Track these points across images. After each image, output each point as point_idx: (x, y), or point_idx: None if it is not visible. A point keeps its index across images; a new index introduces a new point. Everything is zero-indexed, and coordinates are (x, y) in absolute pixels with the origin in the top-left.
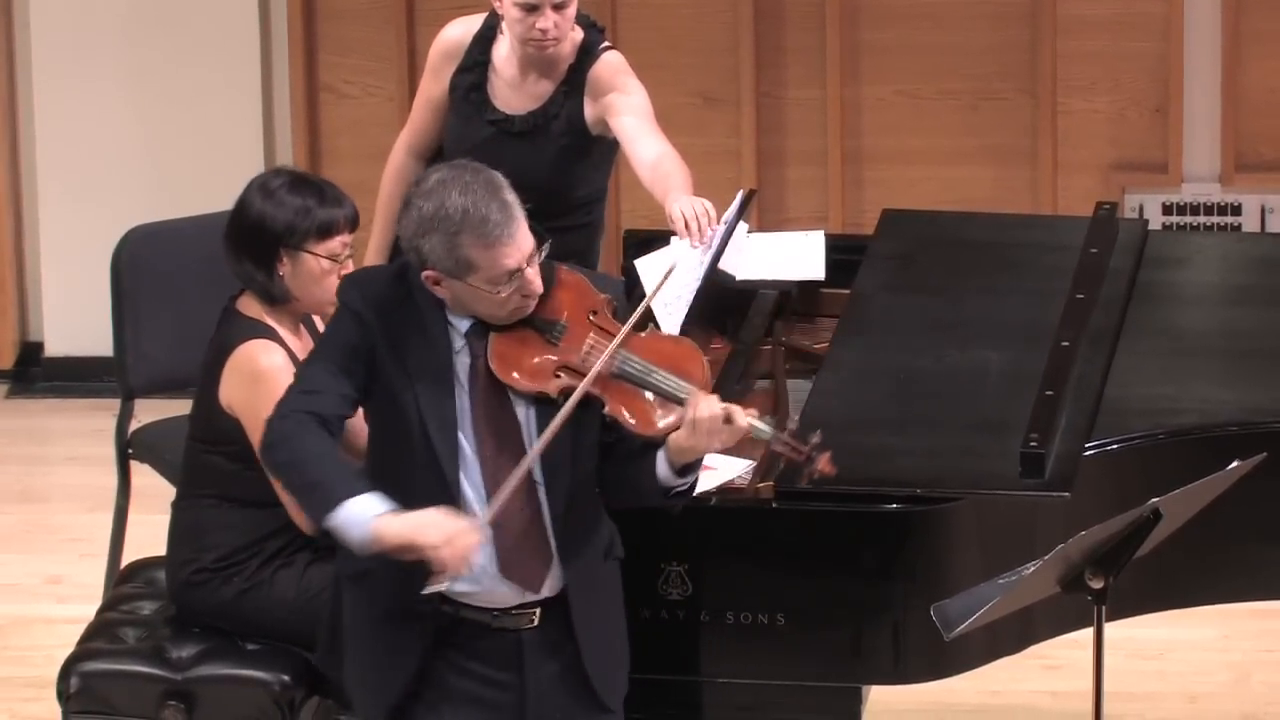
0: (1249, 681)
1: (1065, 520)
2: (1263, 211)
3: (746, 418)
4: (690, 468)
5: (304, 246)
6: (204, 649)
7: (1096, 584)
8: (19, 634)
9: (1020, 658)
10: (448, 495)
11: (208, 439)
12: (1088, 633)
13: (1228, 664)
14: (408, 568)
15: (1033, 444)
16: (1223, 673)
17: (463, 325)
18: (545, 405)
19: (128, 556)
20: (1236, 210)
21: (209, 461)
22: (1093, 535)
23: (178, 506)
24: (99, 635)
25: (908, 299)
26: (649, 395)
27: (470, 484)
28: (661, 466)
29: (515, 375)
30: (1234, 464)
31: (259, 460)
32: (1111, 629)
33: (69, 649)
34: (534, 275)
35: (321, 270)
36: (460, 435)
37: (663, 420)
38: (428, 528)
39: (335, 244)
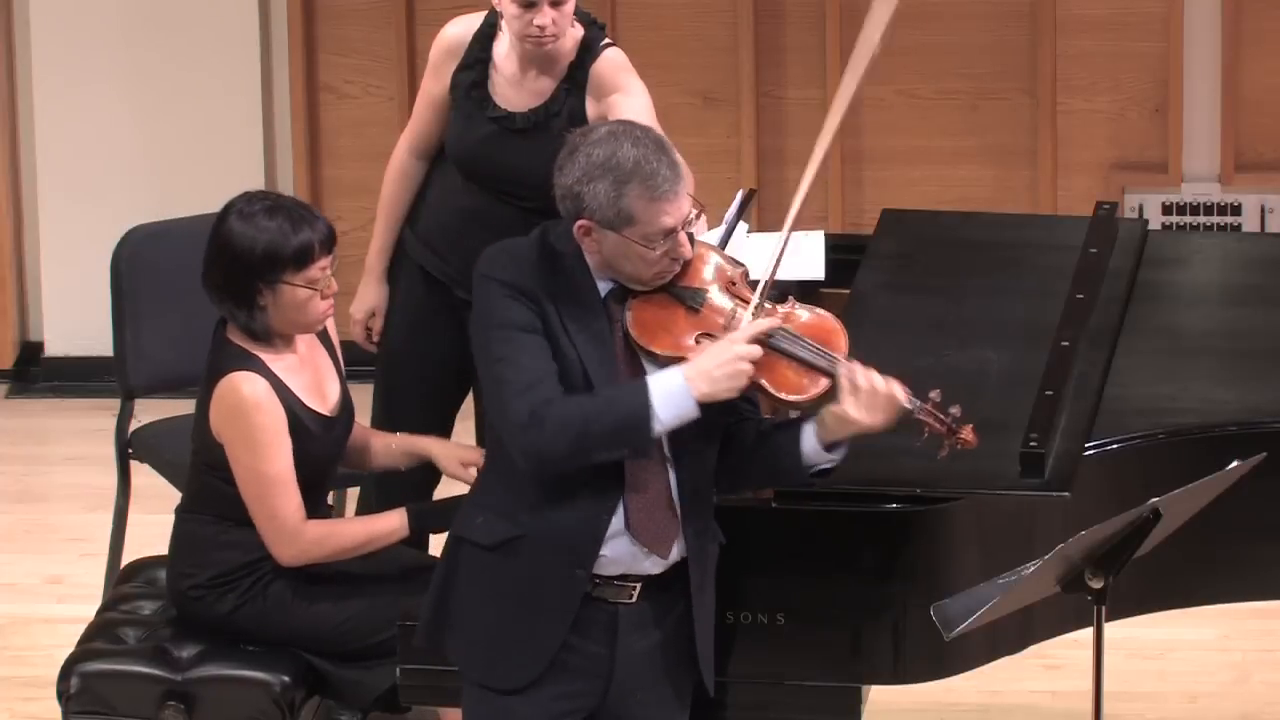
0: (1249, 681)
1: (1065, 520)
2: (1262, 211)
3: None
4: (839, 445)
5: (282, 279)
6: (204, 649)
7: (1096, 584)
8: (19, 634)
9: (1020, 658)
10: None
11: (209, 463)
12: (1088, 632)
13: (1228, 664)
14: (561, 535)
15: (1032, 444)
16: (1223, 673)
17: (603, 288)
18: None
19: (128, 556)
20: (1236, 210)
21: (209, 482)
22: (1093, 535)
23: (180, 516)
24: (99, 635)
25: (908, 298)
26: (797, 365)
27: None
28: (809, 443)
29: (657, 340)
30: (1234, 464)
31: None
32: (1111, 629)
33: (69, 649)
34: (685, 240)
35: (302, 299)
36: None
37: (811, 390)
38: (726, 355)
39: (313, 272)
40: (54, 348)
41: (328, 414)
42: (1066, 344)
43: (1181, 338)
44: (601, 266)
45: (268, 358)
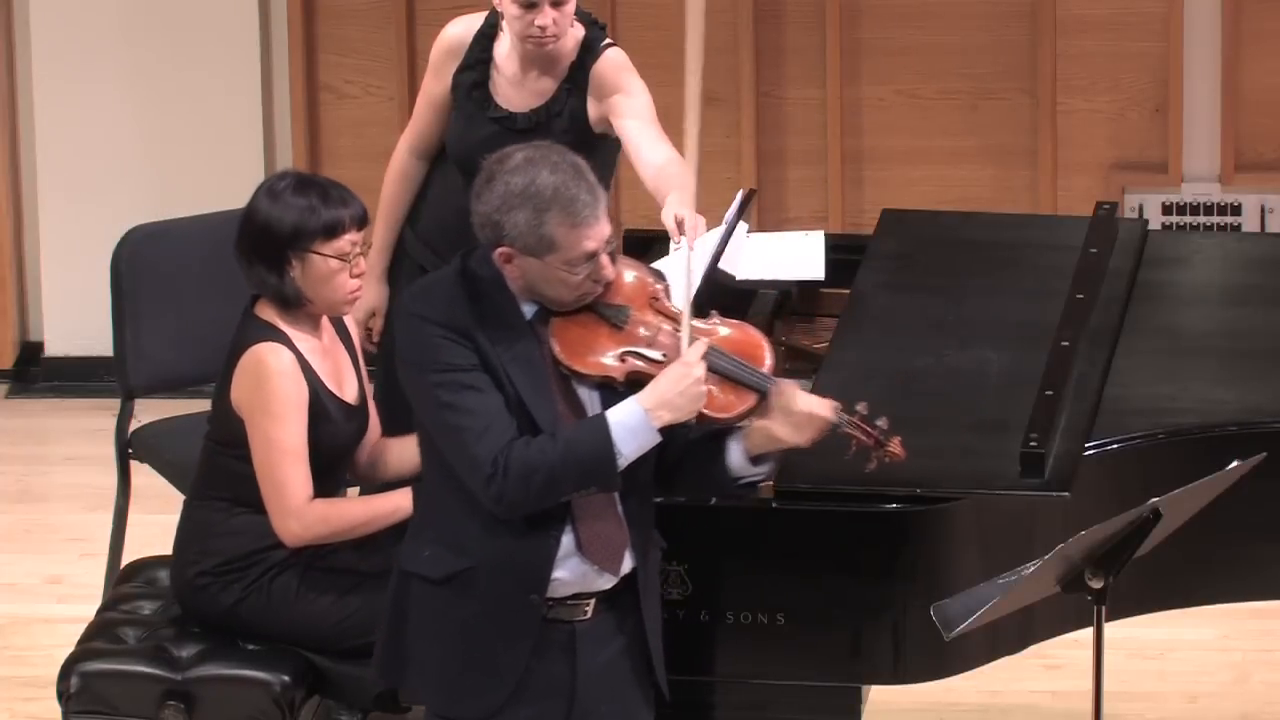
0: (1249, 681)
1: (1065, 520)
2: (1262, 211)
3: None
4: (765, 458)
5: (311, 248)
6: (204, 649)
7: (1096, 584)
8: (19, 634)
9: (1020, 658)
10: None
11: (223, 441)
12: (1088, 632)
13: (1228, 664)
14: (511, 562)
15: (1032, 444)
16: (1223, 673)
17: (528, 311)
18: (609, 390)
19: (128, 556)
20: (1236, 210)
21: (223, 464)
22: (1093, 535)
23: (190, 504)
24: (99, 635)
25: (908, 299)
26: (724, 382)
27: None
28: (735, 456)
29: (581, 360)
30: (1234, 464)
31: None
32: (1112, 629)
33: (69, 649)
34: (607, 262)
35: (331, 270)
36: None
37: (738, 407)
38: (686, 381)
39: (343, 243)
40: (54, 348)
41: (349, 402)
42: (1066, 344)
43: (1181, 338)
44: (524, 291)
45: (294, 335)
